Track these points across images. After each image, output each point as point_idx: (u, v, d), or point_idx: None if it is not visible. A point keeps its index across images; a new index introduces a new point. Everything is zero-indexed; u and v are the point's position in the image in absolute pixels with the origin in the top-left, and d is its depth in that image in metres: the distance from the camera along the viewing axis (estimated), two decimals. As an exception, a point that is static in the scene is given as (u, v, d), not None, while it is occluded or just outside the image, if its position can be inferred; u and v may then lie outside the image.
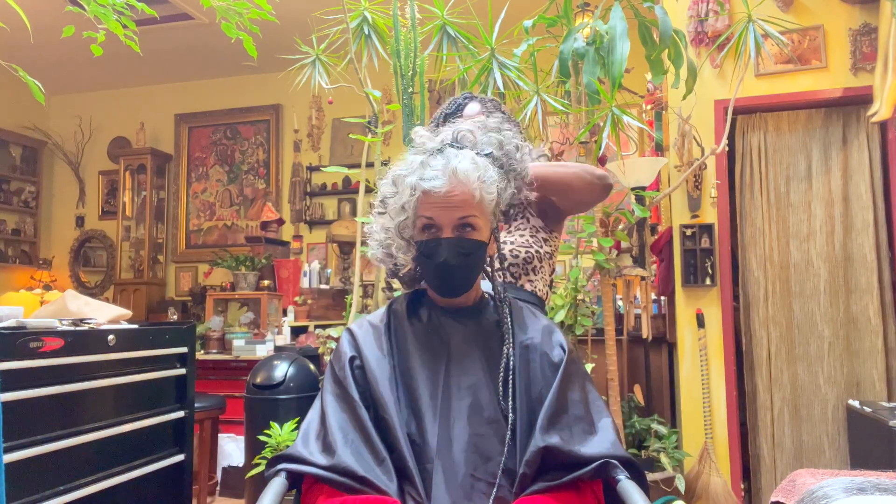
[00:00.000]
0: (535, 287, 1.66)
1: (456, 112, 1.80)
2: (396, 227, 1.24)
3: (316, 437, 1.14)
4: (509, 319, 1.26)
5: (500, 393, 1.17)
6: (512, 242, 1.66)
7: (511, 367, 1.20)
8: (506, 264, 1.61)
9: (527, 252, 1.66)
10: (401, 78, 2.33)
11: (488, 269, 1.32)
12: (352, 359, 1.22)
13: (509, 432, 1.14)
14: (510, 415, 1.15)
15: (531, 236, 1.69)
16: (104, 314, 2.16)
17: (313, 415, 1.19)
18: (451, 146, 1.25)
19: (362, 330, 1.27)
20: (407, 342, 1.24)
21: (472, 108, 1.80)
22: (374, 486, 1.07)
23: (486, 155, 1.26)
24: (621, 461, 1.11)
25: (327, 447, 1.11)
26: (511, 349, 1.22)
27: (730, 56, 2.77)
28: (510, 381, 1.18)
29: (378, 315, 1.31)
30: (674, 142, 3.15)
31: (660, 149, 3.38)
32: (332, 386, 1.21)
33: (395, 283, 1.41)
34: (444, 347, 1.23)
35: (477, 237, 1.23)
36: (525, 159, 1.31)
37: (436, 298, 1.30)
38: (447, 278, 1.24)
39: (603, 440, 1.14)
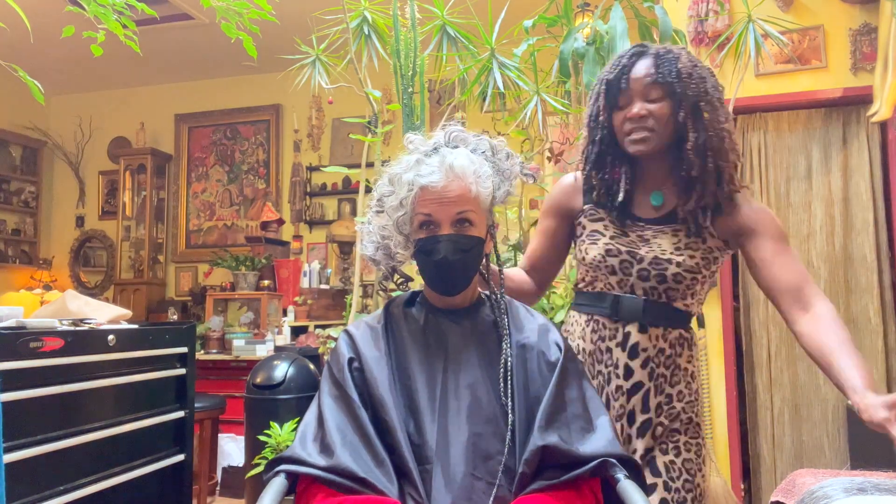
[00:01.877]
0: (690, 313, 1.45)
1: (619, 79, 1.39)
2: (395, 223, 1.25)
3: (313, 438, 1.14)
4: (506, 319, 1.26)
5: (502, 389, 1.17)
6: (679, 264, 1.37)
7: (510, 365, 1.20)
8: (664, 286, 1.37)
9: (692, 278, 1.38)
10: (401, 78, 2.33)
11: (483, 270, 1.33)
12: (350, 360, 1.21)
13: (509, 432, 1.14)
14: (510, 414, 1.15)
15: (702, 259, 1.39)
16: (104, 314, 2.16)
17: (310, 417, 1.18)
18: (446, 146, 1.26)
19: (360, 331, 1.27)
20: (405, 343, 1.25)
21: (641, 67, 1.39)
22: (374, 488, 1.06)
23: (480, 154, 1.28)
24: (619, 459, 1.11)
25: (325, 448, 1.11)
26: (509, 348, 1.22)
27: (730, 56, 2.77)
28: (509, 380, 1.18)
29: (375, 317, 1.31)
30: (674, 142, 3.15)
31: (660, 149, 3.38)
32: (329, 387, 1.20)
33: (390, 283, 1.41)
34: (442, 347, 1.23)
35: (474, 233, 1.23)
36: (515, 168, 1.32)
37: (433, 299, 1.30)
38: (446, 275, 1.24)
39: (601, 438, 1.14)
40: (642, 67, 1.35)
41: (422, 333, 1.26)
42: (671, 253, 1.36)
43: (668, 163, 1.39)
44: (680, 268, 1.36)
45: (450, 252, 1.20)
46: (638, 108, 1.33)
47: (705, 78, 1.34)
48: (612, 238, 1.41)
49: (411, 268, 1.37)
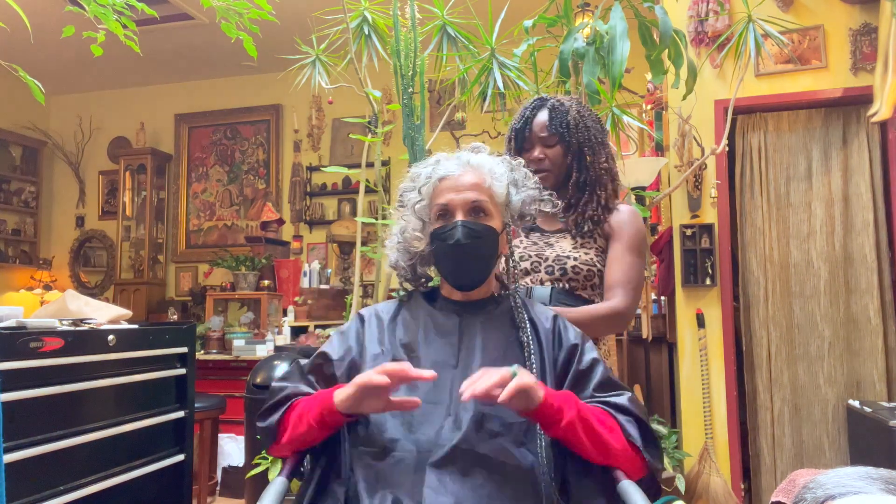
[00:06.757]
0: (594, 301, 1.67)
1: (524, 128, 1.70)
2: (412, 208, 1.30)
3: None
4: (524, 312, 1.28)
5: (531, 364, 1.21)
6: (576, 259, 1.63)
7: (527, 340, 1.23)
8: (566, 277, 1.62)
9: (588, 269, 1.63)
10: (401, 78, 2.33)
11: (502, 266, 1.35)
12: (332, 361, 1.27)
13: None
14: (530, 360, 1.21)
15: (596, 255, 1.66)
16: (104, 314, 2.16)
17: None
18: (468, 152, 1.34)
19: (371, 326, 1.30)
20: (417, 336, 1.26)
21: (540, 119, 1.69)
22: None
23: (498, 163, 1.34)
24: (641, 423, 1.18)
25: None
26: (528, 336, 1.24)
27: (730, 56, 2.77)
28: (530, 356, 1.22)
29: (388, 308, 1.34)
30: (674, 142, 3.15)
31: (660, 149, 3.38)
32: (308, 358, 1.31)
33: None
34: (456, 340, 1.24)
35: (489, 223, 1.26)
36: (529, 184, 1.36)
37: (450, 294, 1.31)
38: (460, 261, 1.26)
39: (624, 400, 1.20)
40: (541, 118, 1.68)
41: (435, 327, 1.27)
42: (570, 251, 1.66)
43: (566, 191, 1.71)
44: (577, 261, 1.64)
45: (463, 236, 1.23)
46: (537, 152, 1.67)
47: (589, 126, 1.67)
48: (524, 248, 1.69)
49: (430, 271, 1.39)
